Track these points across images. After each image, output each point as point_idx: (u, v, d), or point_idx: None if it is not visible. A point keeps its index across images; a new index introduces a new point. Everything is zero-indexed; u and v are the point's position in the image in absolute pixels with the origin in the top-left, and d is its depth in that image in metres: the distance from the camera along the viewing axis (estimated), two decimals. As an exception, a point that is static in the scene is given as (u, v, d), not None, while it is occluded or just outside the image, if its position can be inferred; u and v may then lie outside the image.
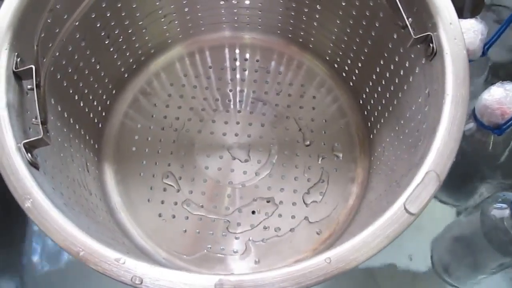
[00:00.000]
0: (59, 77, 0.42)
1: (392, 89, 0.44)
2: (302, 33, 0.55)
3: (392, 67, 0.44)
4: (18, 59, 0.36)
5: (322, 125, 0.53)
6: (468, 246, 0.47)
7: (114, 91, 0.52)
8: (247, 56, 0.57)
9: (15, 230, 0.53)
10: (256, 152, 0.52)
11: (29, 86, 0.35)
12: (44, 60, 0.33)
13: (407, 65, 0.41)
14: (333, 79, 0.55)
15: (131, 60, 0.53)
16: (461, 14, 0.56)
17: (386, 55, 0.44)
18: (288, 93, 0.55)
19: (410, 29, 0.37)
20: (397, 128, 0.43)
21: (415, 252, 0.53)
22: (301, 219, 0.49)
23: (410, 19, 0.38)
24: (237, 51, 0.57)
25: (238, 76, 0.56)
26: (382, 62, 0.45)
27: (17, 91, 0.35)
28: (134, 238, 0.47)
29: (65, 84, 0.43)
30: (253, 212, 0.49)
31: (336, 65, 0.54)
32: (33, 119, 0.35)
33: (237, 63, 0.57)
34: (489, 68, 0.56)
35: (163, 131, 0.53)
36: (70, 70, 0.43)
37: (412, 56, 0.40)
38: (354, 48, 0.50)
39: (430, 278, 0.52)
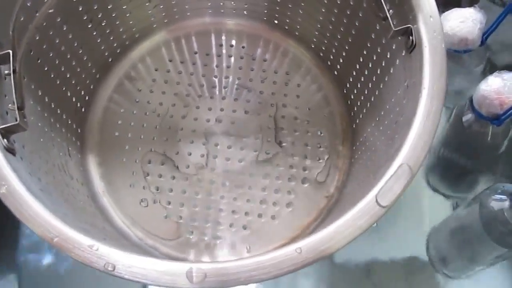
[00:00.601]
0: (39, 61, 0.42)
1: (374, 79, 0.45)
2: (287, 21, 0.55)
3: (374, 58, 0.44)
4: (-5, 43, 0.36)
5: (306, 113, 0.54)
6: (467, 237, 0.47)
7: (97, 75, 0.53)
8: (233, 42, 0.57)
9: (10, 229, 0.53)
10: (240, 139, 0.52)
11: (6, 72, 0.35)
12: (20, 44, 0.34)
13: (388, 56, 0.41)
14: (318, 68, 0.55)
15: (115, 45, 0.53)
16: (459, 3, 0.56)
17: (369, 45, 0.44)
18: (273, 80, 0.55)
19: (390, 21, 0.37)
20: (377, 119, 0.44)
21: (411, 243, 0.53)
22: (283, 206, 0.50)
23: (391, 10, 0.38)
24: (223, 37, 0.57)
25: (223, 62, 0.56)
26: (365, 52, 0.45)
27: (-7, 76, 0.35)
28: (115, 223, 0.48)
29: (46, 69, 0.43)
30: (235, 199, 0.50)
31: (321, 54, 0.55)
32: (10, 105, 0.35)
33: (223, 50, 0.57)
34: (487, 57, 0.55)
35: (146, 116, 0.53)
36: (51, 55, 0.43)
37: (394, 47, 0.40)
38: (339, 37, 0.50)
39: (425, 269, 0.53)
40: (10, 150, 0.34)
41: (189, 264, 0.30)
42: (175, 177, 0.51)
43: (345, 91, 0.53)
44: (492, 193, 0.42)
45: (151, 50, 0.56)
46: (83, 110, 0.51)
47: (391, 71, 0.41)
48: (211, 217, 0.49)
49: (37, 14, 0.39)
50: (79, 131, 0.50)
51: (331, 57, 0.53)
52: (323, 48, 0.54)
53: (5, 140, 0.33)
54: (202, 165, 0.51)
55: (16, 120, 0.34)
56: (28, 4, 0.38)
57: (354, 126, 0.51)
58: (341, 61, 0.52)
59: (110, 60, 0.54)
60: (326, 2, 0.49)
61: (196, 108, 0.54)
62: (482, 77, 0.44)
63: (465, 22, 0.46)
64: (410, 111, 0.35)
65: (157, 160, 0.51)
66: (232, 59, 0.56)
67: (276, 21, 0.56)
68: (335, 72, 0.54)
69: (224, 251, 0.48)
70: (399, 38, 0.38)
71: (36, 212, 0.31)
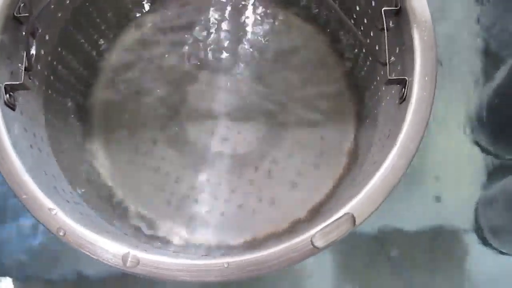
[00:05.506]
0: (60, 15, 0.48)
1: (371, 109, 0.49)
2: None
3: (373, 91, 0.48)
4: (22, 4, 0.42)
5: (317, 92, 0.57)
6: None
7: (119, 27, 0.58)
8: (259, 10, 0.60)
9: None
10: (248, 118, 0.56)
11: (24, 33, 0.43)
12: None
13: (387, 98, 0.45)
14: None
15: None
16: None
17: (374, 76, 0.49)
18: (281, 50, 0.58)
19: (388, 69, 0.41)
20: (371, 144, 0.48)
21: (440, 210, 0.52)
22: (288, 188, 0.54)
23: (393, 58, 0.42)
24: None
25: (240, 30, 0.59)
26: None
27: (13, 33, 0.42)
28: (113, 198, 0.55)
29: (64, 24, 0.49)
30: (239, 177, 0.54)
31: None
32: (19, 64, 0.42)
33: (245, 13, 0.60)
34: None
35: (153, 83, 0.58)
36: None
37: (393, 92, 0.44)
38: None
39: (458, 241, 0.52)
40: (9, 105, 0.41)
41: (128, 249, 0.37)
42: (179, 155, 0.55)
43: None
44: None
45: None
46: (97, 59, 0.57)
47: (384, 107, 0.45)
48: (211, 196, 0.54)
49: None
50: (90, 82, 0.57)
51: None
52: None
53: (7, 95, 0.40)
54: (208, 144, 0.55)
55: (21, 80, 0.42)
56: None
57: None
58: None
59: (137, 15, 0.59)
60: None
61: (206, 83, 0.57)
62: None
63: None
64: (380, 161, 0.40)
65: (160, 136, 0.56)
66: (241, 24, 0.59)
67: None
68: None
69: (232, 233, 0.53)
70: (397, 85, 0.42)
71: (14, 168, 0.38)
